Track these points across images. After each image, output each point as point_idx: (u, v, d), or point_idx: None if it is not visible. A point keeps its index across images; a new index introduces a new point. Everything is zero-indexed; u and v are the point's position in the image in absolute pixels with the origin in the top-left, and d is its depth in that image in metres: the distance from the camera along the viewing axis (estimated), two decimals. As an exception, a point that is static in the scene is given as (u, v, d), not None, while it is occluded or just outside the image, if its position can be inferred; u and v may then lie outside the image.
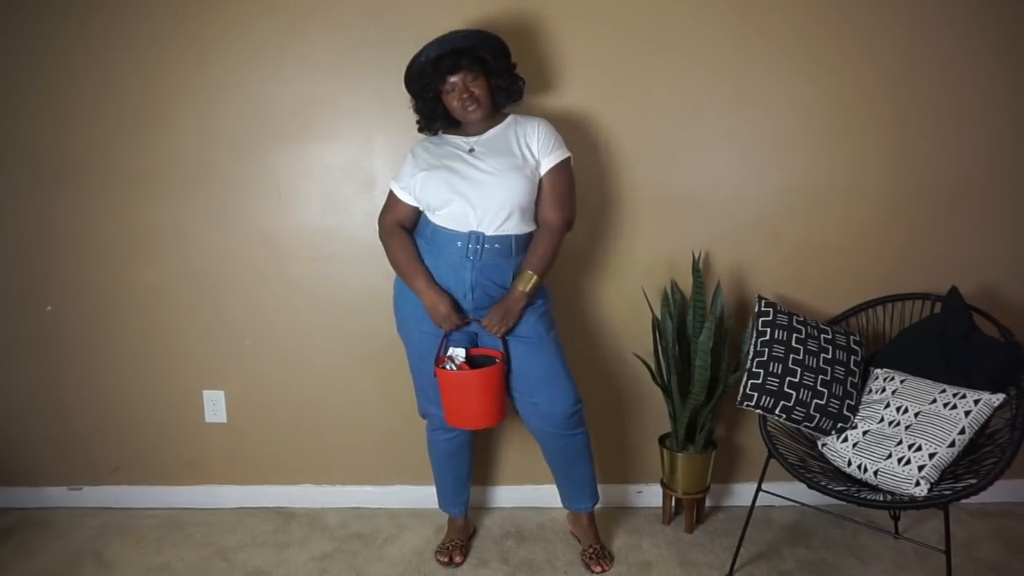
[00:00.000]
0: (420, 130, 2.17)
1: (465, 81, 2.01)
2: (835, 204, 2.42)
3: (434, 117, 2.12)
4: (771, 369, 2.09)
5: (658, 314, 2.39)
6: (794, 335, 2.14)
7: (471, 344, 2.14)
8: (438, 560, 2.30)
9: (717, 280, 2.42)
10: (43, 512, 2.60)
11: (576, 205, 2.14)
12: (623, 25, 2.31)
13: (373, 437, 2.59)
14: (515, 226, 2.03)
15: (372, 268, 2.44)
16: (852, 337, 2.23)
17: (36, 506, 2.63)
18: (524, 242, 2.07)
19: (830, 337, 2.19)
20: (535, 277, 2.02)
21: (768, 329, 2.14)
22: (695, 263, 2.35)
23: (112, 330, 2.52)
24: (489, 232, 2.01)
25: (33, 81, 2.36)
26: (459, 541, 2.34)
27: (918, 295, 2.29)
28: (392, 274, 2.18)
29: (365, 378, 2.55)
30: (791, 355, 2.10)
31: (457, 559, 2.29)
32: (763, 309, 2.18)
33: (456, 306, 2.05)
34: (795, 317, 2.19)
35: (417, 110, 2.14)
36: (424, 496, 2.54)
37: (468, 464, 2.33)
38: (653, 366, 2.40)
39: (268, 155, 2.40)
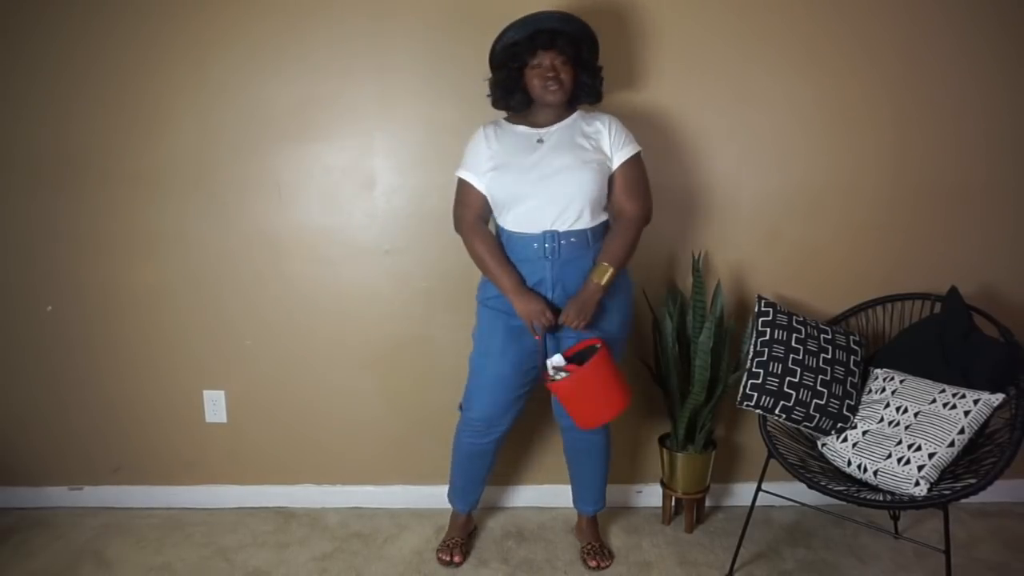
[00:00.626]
0: (493, 104, 2.11)
1: (555, 61, 1.99)
2: (835, 204, 2.42)
3: (512, 91, 2.06)
4: (771, 369, 2.09)
5: (658, 314, 2.40)
6: (794, 335, 2.14)
7: (558, 347, 2.08)
8: (439, 558, 2.30)
9: (717, 280, 2.42)
10: (43, 512, 2.60)
11: (651, 197, 2.10)
12: (618, 26, 2.31)
13: (373, 437, 2.59)
14: (588, 220, 2.01)
15: (372, 268, 2.44)
16: (852, 337, 2.23)
17: (36, 506, 2.63)
18: (600, 232, 2.05)
19: (830, 337, 2.19)
20: (611, 269, 1.99)
21: (768, 329, 2.14)
22: (695, 263, 2.36)
23: (112, 330, 2.52)
24: (563, 229, 1.99)
25: (33, 81, 2.36)
26: (460, 539, 2.34)
27: (918, 295, 2.29)
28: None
29: (365, 378, 2.55)
30: (791, 355, 2.10)
31: (457, 559, 2.29)
32: (763, 309, 2.19)
33: (548, 302, 2.03)
34: (795, 317, 2.19)
35: (496, 83, 2.08)
36: (424, 496, 2.54)
37: (488, 468, 2.30)
38: (653, 366, 2.40)
39: (268, 155, 2.40)
